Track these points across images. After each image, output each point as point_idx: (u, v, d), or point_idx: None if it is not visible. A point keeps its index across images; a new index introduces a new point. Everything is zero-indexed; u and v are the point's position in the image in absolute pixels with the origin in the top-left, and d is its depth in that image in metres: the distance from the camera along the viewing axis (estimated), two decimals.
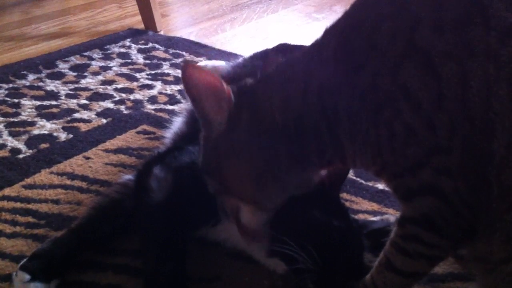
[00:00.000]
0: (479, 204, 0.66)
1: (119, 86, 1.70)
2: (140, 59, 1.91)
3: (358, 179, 1.19)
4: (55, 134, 1.41)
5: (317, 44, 0.75)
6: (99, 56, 1.92)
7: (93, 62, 1.87)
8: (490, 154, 0.62)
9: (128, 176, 1.05)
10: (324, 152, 0.75)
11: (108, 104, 1.57)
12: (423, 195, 0.68)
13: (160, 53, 1.95)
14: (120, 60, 1.89)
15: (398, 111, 0.65)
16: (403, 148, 0.67)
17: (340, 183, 0.94)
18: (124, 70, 1.82)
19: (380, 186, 1.15)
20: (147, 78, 1.75)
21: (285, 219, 0.86)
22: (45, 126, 1.44)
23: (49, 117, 1.49)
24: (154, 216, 0.92)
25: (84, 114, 1.51)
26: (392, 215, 1.03)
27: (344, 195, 1.13)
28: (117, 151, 1.32)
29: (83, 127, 1.44)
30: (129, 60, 1.90)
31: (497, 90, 0.60)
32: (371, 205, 1.10)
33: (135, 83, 1.71)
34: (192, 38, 2.12)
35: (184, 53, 1.95)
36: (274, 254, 0.86)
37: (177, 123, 1.23)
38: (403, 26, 0.66)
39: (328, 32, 0.75)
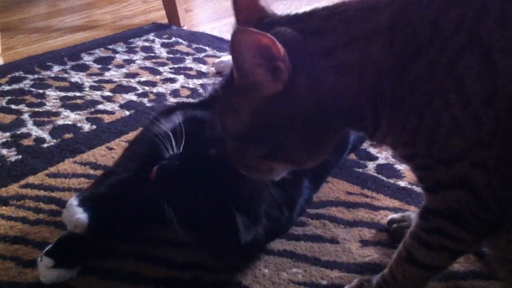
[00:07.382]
0: (510, 201, 0.65)
1: (143, 79, 1.71)
2: (163, 53, 1.92)
3: (379, 176, 1.18)
4: (79, 124, 1.42)
5: (372, 5, 0.68)
6: (123, 50, 1.94)
7: (117, 55, 1.89)
8: None
9: None
10: (365, 119, 0.72)
11: (131, 97, 1.59)
12: (452, 189, 0.67)
13: (183, 48, 1.96)
14: (144, 54, 1.91)
15: (448, 102, 0.63)
16: (445, 139, 0.65)
17: None
18: (148, 63, 1.83)
19: (402, 183, 1.15)
20: (170, 72, 1.76)
21: None
22: (69, 117, 1.46)
23: (73, 108, 1.51)
24: None
25: (108, 106, 1.53)
26: (413, 212, 1.02)
27: (365, 191, 1.12)
28: None
29: (107, 118, 1.46)
30: (153, 54, 1.91)
31: None
32: (393, 202, 1.09)
33: (158, 77, 1.73)
34: (215, 33, 2.12)
35: (207, 48, 1.96)
36: None
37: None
38: (471, 14, 0.63)
39: None
